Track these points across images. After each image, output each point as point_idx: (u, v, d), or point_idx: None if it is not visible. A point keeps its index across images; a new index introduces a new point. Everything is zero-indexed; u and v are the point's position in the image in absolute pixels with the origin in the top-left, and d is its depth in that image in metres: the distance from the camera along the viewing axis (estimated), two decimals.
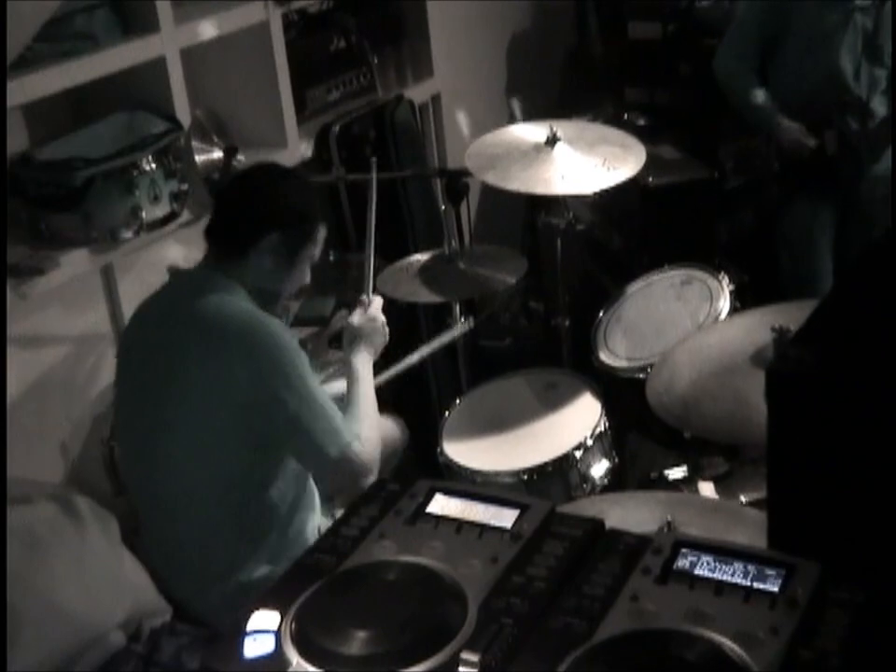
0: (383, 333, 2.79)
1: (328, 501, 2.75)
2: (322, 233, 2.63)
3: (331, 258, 3.45)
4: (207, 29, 3.25)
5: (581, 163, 3.10)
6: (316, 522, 2.63)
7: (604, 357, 3.20)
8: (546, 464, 2.85)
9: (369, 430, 2.53)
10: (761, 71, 3.87)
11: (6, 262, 2.76)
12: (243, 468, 2.46)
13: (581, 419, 2.98)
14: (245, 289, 2.51)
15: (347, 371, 2.69)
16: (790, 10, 3.75)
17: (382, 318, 2.80)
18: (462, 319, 3.26)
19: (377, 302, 2.84)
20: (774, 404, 1.55)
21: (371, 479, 2.45)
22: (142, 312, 2.63)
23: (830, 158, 3.75)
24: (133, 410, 2.60)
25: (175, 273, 2.63)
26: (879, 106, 3.79)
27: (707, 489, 2.89)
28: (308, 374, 2.45)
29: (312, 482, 2.64)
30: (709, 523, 2.30)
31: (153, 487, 2.54)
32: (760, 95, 3.81)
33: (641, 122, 4.27)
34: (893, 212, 3.76)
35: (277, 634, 1.41)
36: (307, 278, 2.65)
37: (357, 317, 2.78)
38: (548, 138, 3.12)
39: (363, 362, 2.70)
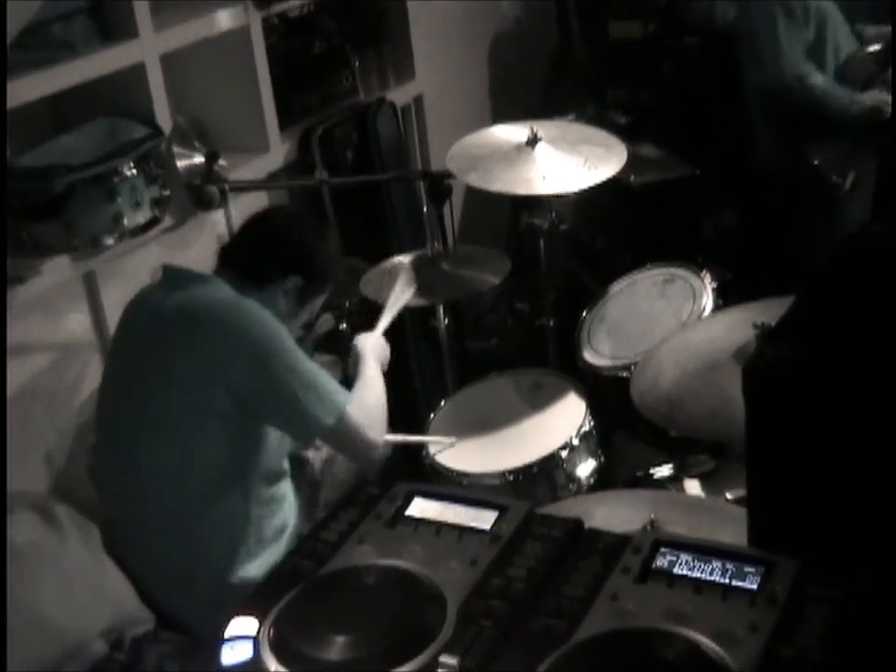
0: (387, 355, 2.92)
1: (312, 505, 2.76)
2: (328, 291, 2.78)
3: None
4: (187, 34, 3.25)
5: (563, 163, 3.09)
6: (295, 519, 2.64)
7: (588, 356, 3.20)
8: (532, 464, 2.84)
9: (368, 395, 2.63)
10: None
11: (6, 266, 2.75)
12: (223, 461, 2.47)
13: (566, 419, 2.97)
14: None
15: (355, 359, 2.79)
16: None
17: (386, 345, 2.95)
18: (446, 320, 3.26)
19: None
20: (752, 401, 1.55)
21: (376, 437, 2.56)
22: (131, 310, 2.65)
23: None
24: (114, 408, 2.62)
25: (167, 269, 2.64)
26: None
27: (692, 487, 2.88)
28: (296, 348, 2.49)
29: (288, 482, 2.65)
30: (694, 521, 2.30)
31: (133, 489, 2.54)
32: (831, 83, 3.85)
33: (623, 121, 4.27)
34: (875, 203, 3.76)
35: (255, 640, 1.40)
36: (299, 333, 2.76)
37: (371, 336, 2.91)
38: (529, 139, 3.12)
39: (373, 359, 2.79)
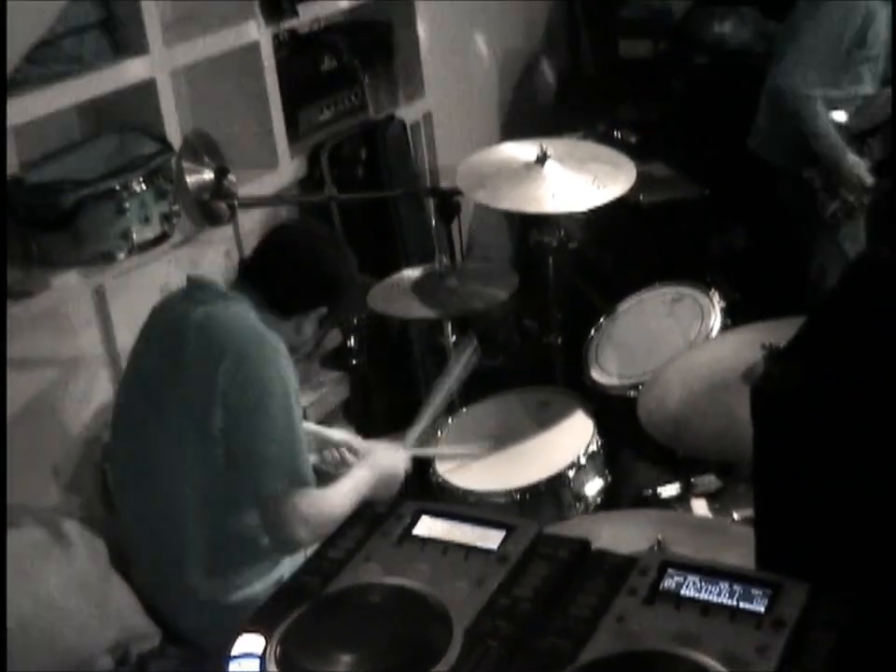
0: (393, 489, 2.70)
1: None
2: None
3: None
4: (197, 50, 3.27)
5: (572, 181, 3.10)
6: None
7: (595, 375, 3.19)
8: (539, 483, 2.84)
9: (330, 501, 2.47)
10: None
11: (6, 271, 2.76)
12: (226, 479, 2.46)
13: (573, 438, 2.97)
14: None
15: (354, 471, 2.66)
16: (871, 16, 3.68)
17: (401, 475, 2.74)
18: (454, 337, 3.26)
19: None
20: (759, 423, 1.54)
21: (302, 538, 2.40)
22: (153, 318, 2.64)
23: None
24: (128, 417, 2.62)
25: (192, 279, 2.64)
26: None
27: (699, 507, 2.87)
28: (291, 405, 2.44)
29: None
30: (701, 541, 2.30)
31: (142, 499, 2.55)
32: (830, 126, 3.73)
33: (633, 140, 4.27)
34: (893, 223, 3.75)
35: (262, 658, 1.40)
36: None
37: (391, 457, 2.74)
38: (538, 157, 3.13)
39: (370, 480, 2.61)
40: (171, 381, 2.49)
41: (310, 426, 2.95)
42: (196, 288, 2.59)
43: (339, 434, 2.96)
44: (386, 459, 2.72)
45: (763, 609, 1.41)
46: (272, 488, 2.41)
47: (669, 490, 2.99)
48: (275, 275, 2.60)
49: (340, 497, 2.49)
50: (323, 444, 2.91)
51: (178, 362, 2.48)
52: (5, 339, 2.77)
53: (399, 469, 2.73)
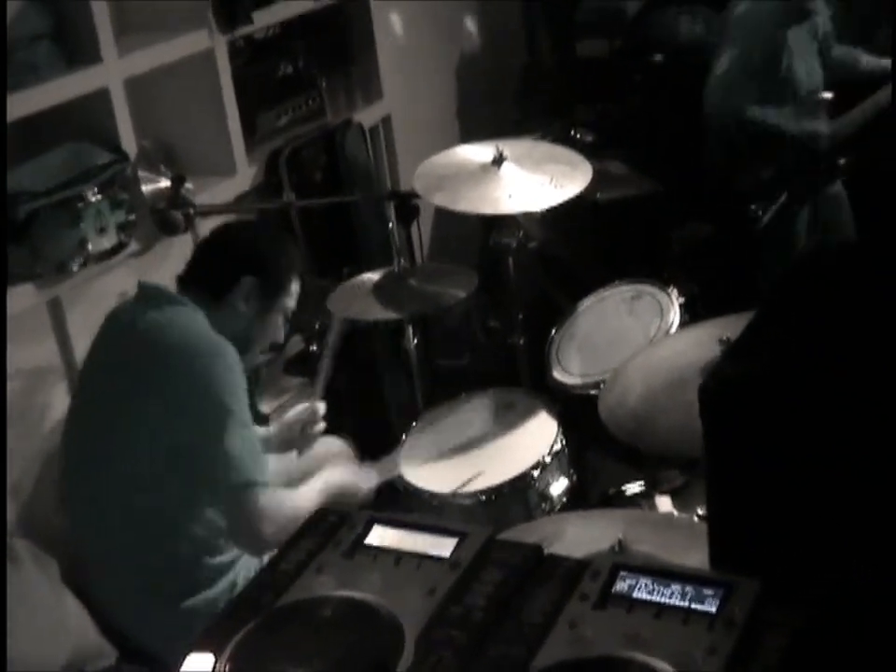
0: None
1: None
2: (296, 287, 2.72)
3: None
4: (151, 58, 3.24)
5: (529, 182, 3.11)
6: None
7: (558, 374, 3.19)
8: (504, 484, 2.83)
9: (293, 501, 2.50)
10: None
11: (6, 271, 2.73)
12: (184, 488, 2.46)
13: (538, 438, 2.97)
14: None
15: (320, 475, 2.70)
16: None
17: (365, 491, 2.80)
18: (415, 340, 3.26)
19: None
20: (709, 421, 1.54)
21: (269, 535, 2.40)
22: (105, 326, 2.65)
23: None
24: (80, 428, 2.63)
25: (142, 286, 2.64)
26: None
27: (663, 503, 2.88)
28: (246, 405, 2.46)
29: None
30: (664, 539, 2.29)
31: (93, 510, 2.54)
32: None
33: (590, 139, 4.28)
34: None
35: None
36: (281, 335, 2.74)
37: (359, 477, 2.81)
38: (494, 158, 3.13)
39: (329, 486, 2.67)
40: (123, 388, 2.49)
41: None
42: (147, 295, 2.59)
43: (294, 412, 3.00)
44: (354, 476, 2.78)
45: (714, 610, 1.41)
46: (238, 485, 2.42)
47: (634, 488, 2.99)
48: (201, 265, 2.67)
49: (306, 497, 2.53)
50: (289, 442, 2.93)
51: (130, 369, 2.48)
52: (5, 342, 2.75)
53: (362, 489, 2.77)
